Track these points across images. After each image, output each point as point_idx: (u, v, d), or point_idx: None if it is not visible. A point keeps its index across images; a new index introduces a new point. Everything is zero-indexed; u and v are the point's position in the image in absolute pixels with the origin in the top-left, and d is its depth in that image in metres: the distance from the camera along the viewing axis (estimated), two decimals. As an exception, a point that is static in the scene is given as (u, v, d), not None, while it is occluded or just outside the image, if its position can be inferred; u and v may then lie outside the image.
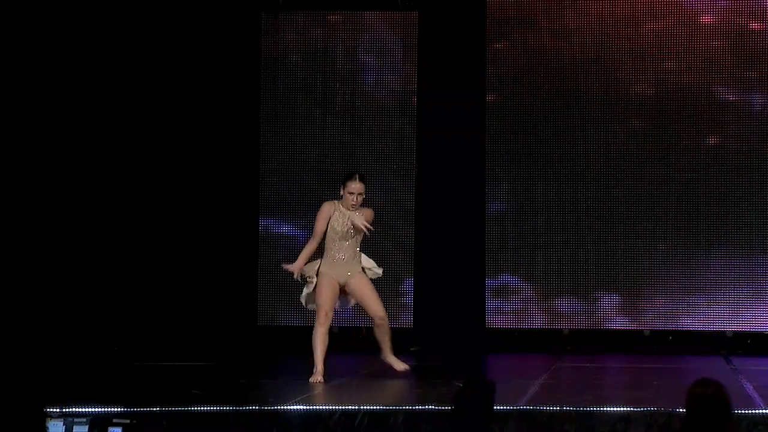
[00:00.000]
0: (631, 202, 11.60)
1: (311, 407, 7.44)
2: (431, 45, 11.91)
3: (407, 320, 11.88)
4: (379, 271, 9.27)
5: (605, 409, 7.41)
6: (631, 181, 11.65)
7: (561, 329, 11.75)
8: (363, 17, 12.12)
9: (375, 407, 7.39)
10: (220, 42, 11.94)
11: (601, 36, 11.75)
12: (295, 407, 7.41)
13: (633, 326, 11.54)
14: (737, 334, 11.47)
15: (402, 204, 11.98)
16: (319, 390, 8.41)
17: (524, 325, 11.82)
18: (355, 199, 8.95)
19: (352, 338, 11.85)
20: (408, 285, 11.91)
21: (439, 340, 11.59)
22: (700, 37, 11.64)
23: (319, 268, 9.08)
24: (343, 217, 9.02)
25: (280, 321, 12.00)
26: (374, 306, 9.14)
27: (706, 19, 11.68)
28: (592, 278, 11.67)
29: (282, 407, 7.39)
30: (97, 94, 11.49)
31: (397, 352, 11.24)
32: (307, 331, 11.80)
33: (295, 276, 9.05)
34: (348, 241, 9.05)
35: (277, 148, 12.12)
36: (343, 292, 9.19)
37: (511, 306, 11.84)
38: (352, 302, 9.32)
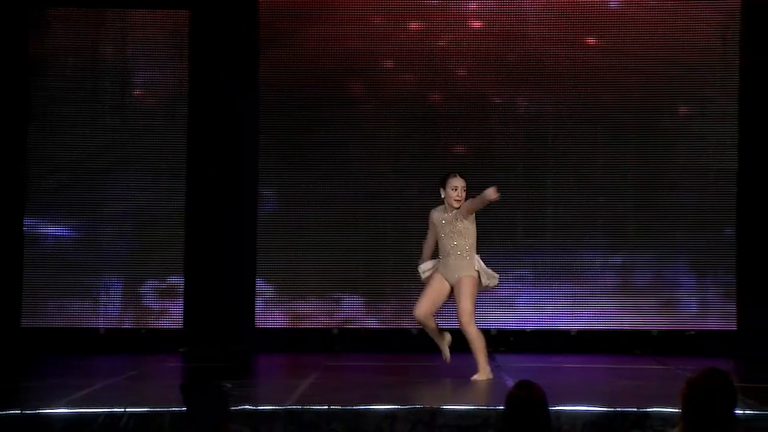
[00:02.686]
0: (401, 202, 11.75)
1: (74, 410, 7.29)
2: (203, 44, 11.83)
3: (177, 321, 11.78)
4: (495, 280, 9.23)
5: (372, 407, 7.49)
6: (398, 183, 11.79)
7: (331, 329, 11.82)
8: (134, 15, 11.96)
9: (141, 409, 7.30)
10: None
11: (369, 41, 11.88)
12: (57, 411, 7.26)
13: (397, 325, 11.69)
14: (501, 332, 11.76)
15: (173, 203, 11.87)
16: (84, 392, 8.24)
17: (294, 325, 11.86)
18: (459, 194, 9.01)
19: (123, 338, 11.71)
20: (178, 285, 11.81)
21: (210, 341, 11.54)
22: (470, 42, 11.89)
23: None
24: (446, 218, 9.07)
25: (45, 322, 11.74)
26: (459, 305, 9.09)
27: (476, 24, 11.94)
28: (362, 278, 11.78)
29: (44, 411, 7.23)
30: None
31: (166, 352, 11.18)
32: (74, 332, 11.65)
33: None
34: (455, 242, 9.05)
35: (46, 147, 11.85)
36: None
37: (282, 306, 11.86)
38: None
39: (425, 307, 9.18)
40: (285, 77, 11.92)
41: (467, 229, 9.12)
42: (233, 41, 11.81)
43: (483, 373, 9.09)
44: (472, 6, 11.94)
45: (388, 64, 11.92)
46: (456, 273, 9.10)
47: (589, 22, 11.90)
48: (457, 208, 9.08)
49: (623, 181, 11.91)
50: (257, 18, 11.88)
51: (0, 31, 11.73)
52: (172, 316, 11.82)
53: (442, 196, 9.15)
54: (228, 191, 11.79)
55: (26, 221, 11.80)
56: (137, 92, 11.96)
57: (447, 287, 9.19)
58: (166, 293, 11.83)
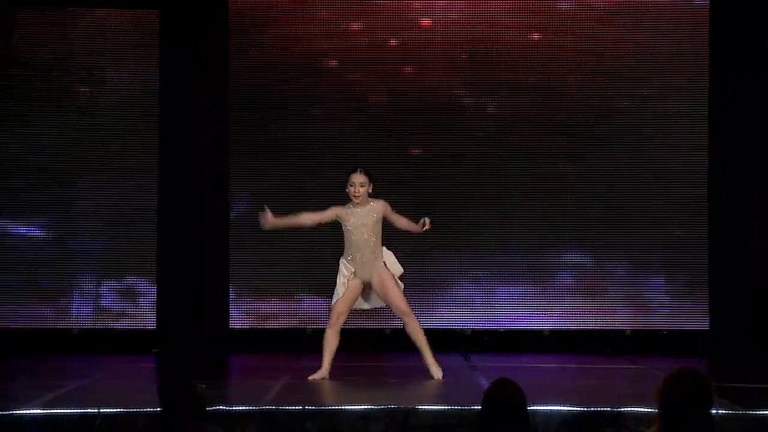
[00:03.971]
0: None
1: (47, 411, 7.26)
2: (173, 43, 11.80)
3: (150, 321, 11.75)
4: (400, 268, 9.30)
5: (346, 407, 7.49)
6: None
7: (305, 329, 11.81)
8: (102, 14, 11.92)
9: (114, 410, 7.28)
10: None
11: (337, 40, 11.89)
12: (30, 412, 7.22)
13: (373, 325, 11.69)
14: (475, 332, 11.79)
15: (144, 203, 11.83)
16: (57, 393, 8.20)
17: (268, 326, 11.85)
18: (356, 191, 9.11)
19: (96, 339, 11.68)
20: (151, 285, 11.78)
21: (183, 342, 11.50)
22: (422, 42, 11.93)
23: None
24: (356, 216, 9.09)
25: (16, 323, 11.69)
26: (396, 302, 9.13)
27: (425, 22, 11.97)
28: (334, 278, 11.76)
29: (17, 412, 7.19)
30: None
31: (139, 353, 11.15)
32: (45, 334, 11.61)
33: (266, 226, 9.26)
34: (366, 239, 9.12)
35: (12, 147, 11.79)
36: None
37: (255, 306, 11.84)
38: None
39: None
40: (255, 75, 11.91)
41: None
42: (203, 40, 11.78)
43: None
44: (438, 3, 11.97)
45: (358, 61, 11.92)
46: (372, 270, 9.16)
47: (561, 23, 11.93)
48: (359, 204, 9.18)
49: (595, 182, 11.93)
50: (227, 16, 11.85)
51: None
52: (145, 316, 11.78)
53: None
54: (200, 190, 11.75)
55: (-5, 221, 11.76)
56: (106, 92, 11.92)
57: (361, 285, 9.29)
58: (138, 293, 11.79)
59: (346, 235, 9.31)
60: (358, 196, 9.18)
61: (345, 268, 9.30)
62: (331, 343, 9.20)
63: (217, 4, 11.82)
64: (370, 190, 9.27)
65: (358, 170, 9.26)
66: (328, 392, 8.72)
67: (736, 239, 11.74)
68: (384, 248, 9.32)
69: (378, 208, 9.27)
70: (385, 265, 9.27)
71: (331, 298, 9.35)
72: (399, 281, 9.31)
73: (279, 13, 11.94)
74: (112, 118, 11.89)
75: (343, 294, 9.25)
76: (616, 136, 11.94)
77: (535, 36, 11.95)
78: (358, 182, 9.19)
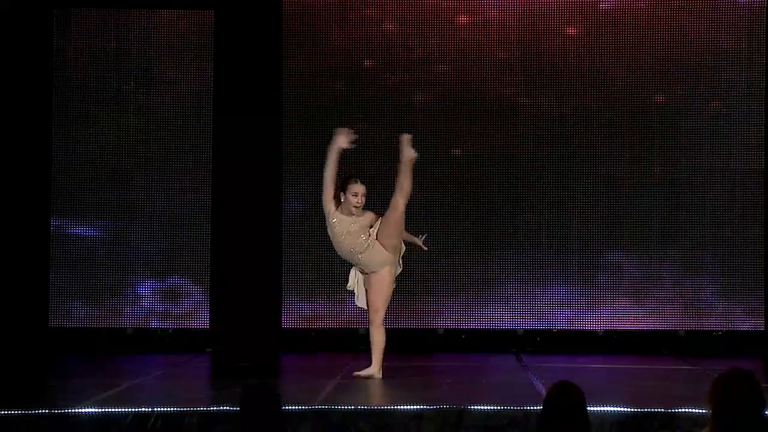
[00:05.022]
0: (426, 203, 11.74)
1: (103, 410, 7.31)
2: (228, 44, 11.86)
3: (203, 320, 11.81)
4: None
5: (399, 407, 7.49)
6: (421, 184, 11.80)
7: (357, 329, 11.82)
8: (158, 15, 12.00)
9: (168, 409, 7.32)
10: (10, 40, 11.66)
11: (392, 40, 11.90)
12: (86, 410, 7.28)
13: (424, 325, 11.69)
14: (527, 332, 11.76)
15: (199, 203, 11.90)
16: (112, 392, 8.27)
17: (320, 325, 11.87)
18: (359, 200, 9.01)
19: (150, 338, 11.75)
20: (205, 285, 11.84)
21: (236, 341, 11.55)
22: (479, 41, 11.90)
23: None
24: (342, 224, 9.05)
25: (72, 322, 11.79)
26: (370, 300, 9.19)
27: (462, 18, 11.96)
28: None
29: (72, 410, 7.25)
30: None
31: (193, 352, 11.21)
32: (101, 332, 11.70)
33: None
34: (359, 240, 9.05)
35: (70, 147, 11.90)
36: None
37: (308, 306, 11.87)
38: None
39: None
40: (309, 76, 11.94)
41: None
42: (258, 40, 11.84)
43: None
44: (476, 3, 11.93)
45: (413, 63, 11.91)
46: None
47: (613, 21, 11.88)
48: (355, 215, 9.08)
49: (649, 182, 11.87)
50: (282, 17, 11.90)
51: (25, 31, 11.77)
52: (199, 316, 11.85)
53: (342, 199, 9.12)
54: (254, 190, 11.80)
55: (52, 221, 11.84)
56: (162, 92, 11.99)
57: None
58: (192, 293, 11.86)
59: (331, 237, 9.21)
60: (359, 207, 9.11)
61: (354, 269, 9.29)
62: (378, 340, 9.18)
63: (272, 3, 11.86)
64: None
65: (359, 180, 9.13)
66: (381, 392, 8.72)
67: (792, 239, 11.65)
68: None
69: (365, 222, 9.17)
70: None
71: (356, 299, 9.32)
72: (391, 282, 9.25)
73: (334, 11, 11.94)
74: (168, 119, 11.96)
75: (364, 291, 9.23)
76: (671, 136, 11.86)
77: (577, 32, 11.88)
78: (362, 193, 9.10)
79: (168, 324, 11.88)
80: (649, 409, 7.44)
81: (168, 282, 11.87)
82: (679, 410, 7.39)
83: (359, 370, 9.19)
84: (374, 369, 9.15)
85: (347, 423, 7.32)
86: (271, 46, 11.87)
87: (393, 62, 11.94)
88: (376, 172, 11.68)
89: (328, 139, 11.83)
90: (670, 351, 11.50)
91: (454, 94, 11.90)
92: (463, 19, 11.94)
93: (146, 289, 11.89)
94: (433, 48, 11.92)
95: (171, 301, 11.88)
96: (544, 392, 7.93)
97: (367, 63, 11.93)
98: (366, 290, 9.26)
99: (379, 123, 11.88)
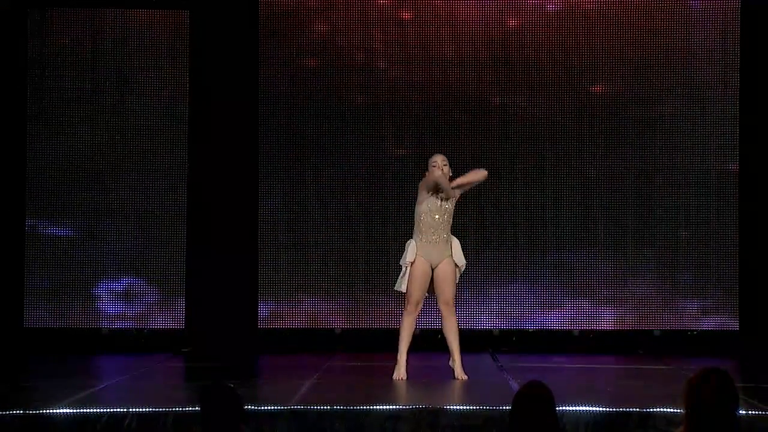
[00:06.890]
0: (401, 202, 11.74)
1: (78, 411, 7.29)
2: (203, 44, 11.84)
3: (179, 321, 11.79)
4: (463, 261, 9.16)
5: (375, 407, 7.49)
6: (400, 183, 11.80)
7: (333, 329, 11.82)
8: (133, 15, 11.97)
9: (144, 409, 7.30)
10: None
11: (369, 40, 11.90)
12: (61, 411, 7.26)
13: (399, 325, 11.67)
14: (503, 332, 11.78)
15: (175, 203, 11.87)
16: (87, 392, 8.24)
17: (296, 325, 11.86)
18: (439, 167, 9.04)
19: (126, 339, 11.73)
20: (180, 285, 11.81)
21: (212, 341, 11.53)
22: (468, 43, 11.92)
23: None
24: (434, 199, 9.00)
25: (47, 323, 11.75)
26: (443, 293, 9.05)
27: (477, 22, 11.97)
28: (364, 277, 11.78)
29: (48, 411, 7.23)
30: None
31: (169, 353, 11.18)
32: (75, 333, 11.66)
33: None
34: (441, 221, 8.99)
35: (45, 147, 11.86)
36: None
37: (283, 306, 11.86)
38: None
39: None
40: (285, 76, 11.93)
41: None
42: (233, 40, 11.82)
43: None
44: (467, 5, 11.96)
45: (388, 63, 11.93)
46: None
47: (588, 23, 11.91)
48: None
49: (625, 182, 11.91)
50: (257, 17, 11.89)
51: None
52: (174, 316, 11.82)
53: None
54: (229, 190, 11.78)
55: (27, 222, 11.80)
56: (137, 92, 11.96)
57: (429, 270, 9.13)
58: (167, 293, 11.83)
59: (420, 215, 9.12)
60: (445, 171, 9.12)
61: (411, 251, 9.14)
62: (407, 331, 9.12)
63: (249, 3, 11.85)
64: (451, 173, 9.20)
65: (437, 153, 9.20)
66: (357, 392, 8.72)
67: (766, 240, 11.69)
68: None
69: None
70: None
71: (401, 286, 9.15)
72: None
73: (310, 12, 11.94)
74: (143, 118, 11.93)
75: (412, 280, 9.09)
76: (646, 136, 11.90)
77: (552, 32, 11.92)
78: (441, 161, 9.13)
79: (143, 324, 11.85)
80: (624, 409, 7.46)
81: (143, 282, 11.84)
82: (655, 410, 7.41)
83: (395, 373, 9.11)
84: (459, 370, 9.11)
85: (324, 423, 7.32)
86: (247, 47, 11.86)
87: (372, 62, 11.94)
88: (353, 170, 11.72)
89: (305, 139, 11.89)
90: (646, 350, 11.54)
91: (431, 94, 11.91)
92: (453, 19, 11.97)
93: (121, 290, 11.85)
94: (411, 49, 11.94)
95: (146, 301, 11.85)
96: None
97: (345, 62, 11.92)
98: (432, 281, 9.11)
99: (355, 123, 11.88)
